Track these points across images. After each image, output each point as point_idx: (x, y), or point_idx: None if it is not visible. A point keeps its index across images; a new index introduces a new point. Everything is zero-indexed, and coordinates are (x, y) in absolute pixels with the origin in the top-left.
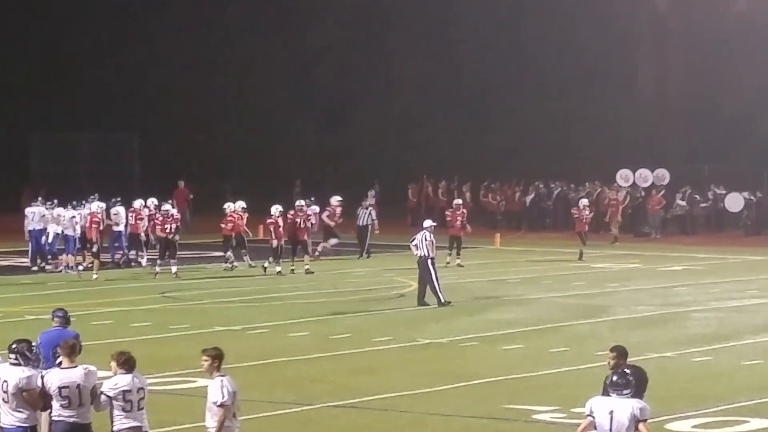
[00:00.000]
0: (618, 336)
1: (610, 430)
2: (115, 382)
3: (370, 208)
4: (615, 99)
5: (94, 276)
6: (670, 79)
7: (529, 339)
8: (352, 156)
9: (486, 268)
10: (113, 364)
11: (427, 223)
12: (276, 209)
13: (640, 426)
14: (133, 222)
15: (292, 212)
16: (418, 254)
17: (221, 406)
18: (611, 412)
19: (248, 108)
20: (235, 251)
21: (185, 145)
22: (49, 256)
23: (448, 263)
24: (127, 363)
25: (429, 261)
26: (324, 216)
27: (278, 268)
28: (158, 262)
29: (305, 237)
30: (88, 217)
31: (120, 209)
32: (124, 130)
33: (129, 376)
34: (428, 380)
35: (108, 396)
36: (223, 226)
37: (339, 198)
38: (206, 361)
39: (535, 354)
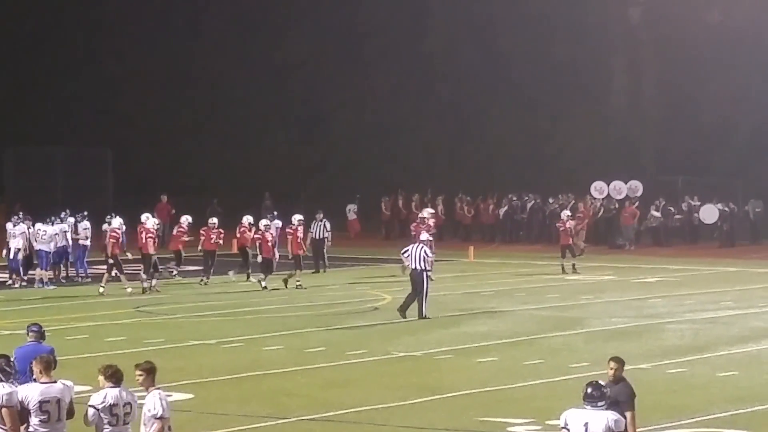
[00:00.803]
0: (592, 348)
1: None
2: (102, 396)
3: (324, 220)
4: (588, 111)
5: (129, 290)
6: (643, 90)
7: (503, 351)
8: (325, 169)
9: (460, 280)
10: (101, 377)
11: (424, 236)
12: (262, 224)
13: None
14: (144, 241)
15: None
16: (411, 267)
17: (160, 418)
18: (586, 424)
19: (222, 121)
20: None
21: (159, 158)
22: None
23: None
24: (113, 376)
25: (424, 274)
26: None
27: (264, 283)
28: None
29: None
30: (108, 233)
31: (87, 224)
32: (97, 144)
33: (116, 390)
34: (403, 393)
35: (96, 409)
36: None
37: (300, 217)
38: (141, 375)
39: (509, 366)
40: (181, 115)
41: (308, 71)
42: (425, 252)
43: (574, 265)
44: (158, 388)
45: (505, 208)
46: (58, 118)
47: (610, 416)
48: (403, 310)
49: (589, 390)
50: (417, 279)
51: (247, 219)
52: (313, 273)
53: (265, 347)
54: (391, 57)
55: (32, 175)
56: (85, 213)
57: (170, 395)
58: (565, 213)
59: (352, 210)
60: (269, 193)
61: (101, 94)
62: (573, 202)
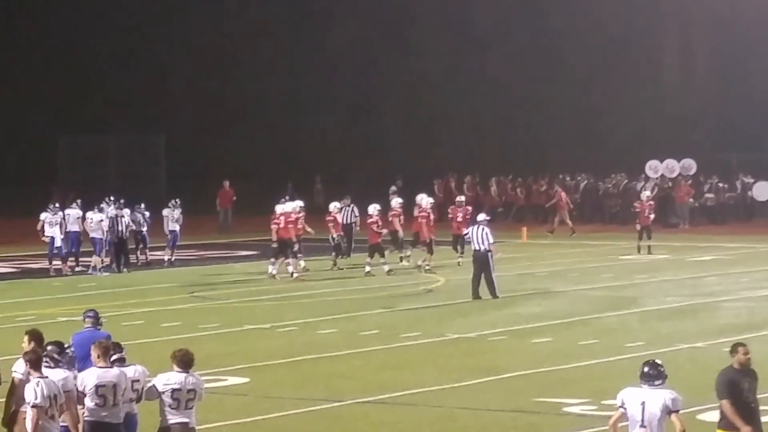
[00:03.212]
0: (648, 327)
1: (642, 421)
2: (167, 378)
3: (353, 205)
4: (641, 90)
5: (295, 274)
6: (696, 67)
7: (558, 332)
8: (376, 152)
9: (513, 262)
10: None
11: (481, 216)
12: (334, 206)
13: (672, 417)
14: (283, 226)
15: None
16: (475, 248)
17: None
18: (643, 403)
19: (272, 106)
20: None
21: (211, 144)
22: (59, 260)
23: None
24: (181, 361)
25: (489, 254)
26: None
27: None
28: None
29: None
30: (283, 216)
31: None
32: (150, 131)
33: (182, 375)
34: (457, 375)
35: (158, 390)
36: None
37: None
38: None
39: (564, 347)
40: (232, 100)
41: (358, 55)
42: (486, 232)
43: (650, 246)
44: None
45: (558, 188)
46: (111, 107)
47: (668, 395)
48: (474, 293)
49: (646, 369)
50: (481, 260)
51: (335, 205)
52: (344, 257)
53: (320, 331)
54: (442, 39)
55: (86, 164)
56: (122, 201)
57: (226, 379)
58: (645, 194)
59: (392, 192)
60: (320, 176)
61: (153, 81)
62: (644, 183)
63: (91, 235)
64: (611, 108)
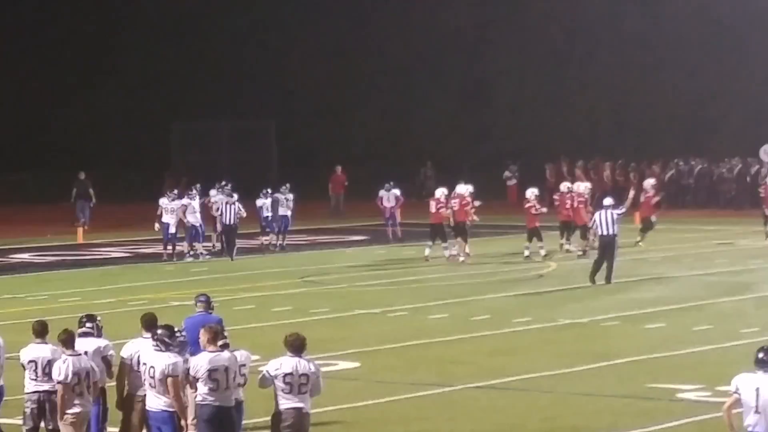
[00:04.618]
0: (763, 313)
1: (756, 407)
2: (279, 363)
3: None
4: (754, 72)
5: (461, 258)
6: None
7: (671, 317)
8: (487, 137)
9: (626, 246)
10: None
11: (608, 201)
12: (531, 193)
13: None
14: (458, 208)
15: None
16: (601, 232)
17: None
18: (757, 389)
19: (384, 90)
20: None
21: (322, 129)
22: (170, 246)
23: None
24: (293, 345)
25: (615, 239)
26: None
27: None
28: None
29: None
30: (458, 201)
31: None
32: (261, 117)
33: (294, 360)
34: (569, 360)
35: (269, 376)
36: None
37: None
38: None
39: (678, 332)
40: (344, 85)
41: (469, 38)
42: (614, 216)
43: None
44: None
45: (671, 172)
46: (222, 92)
47: None
48: (593, 275)
49: (761, 355)
50: (608, 243)
51: (467, 188)
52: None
53: (431, 315)
54: (553, 23)
55: (197, 149)
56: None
57: (336, 364)
58: None
59: (511, 176)
60: (430, 162)
61: (265, 67)
62: (758, 167)
63: (190, 221)
64: (725, 91)
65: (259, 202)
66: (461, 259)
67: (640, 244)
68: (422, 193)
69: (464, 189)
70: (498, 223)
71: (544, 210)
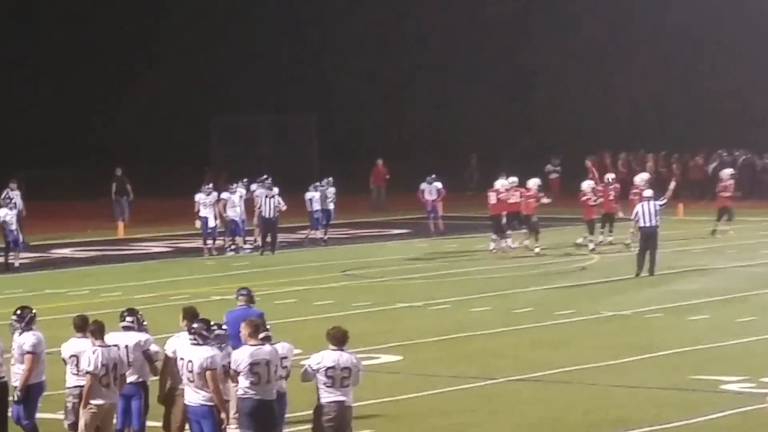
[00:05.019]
0: None
1: None
2: (321, 357)
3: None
4: None
5: (537, 249)
6: None
7: (715, 309)
8: (529, 130)
9: (669, 239)
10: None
11: (648, 192)
12: (587, 185)
13: None
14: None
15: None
16: (643, 224)
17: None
18: None
19: (425, 83)
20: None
21: (363, 123)
22: (210, 240)
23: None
24: (334, 338)
25: (657, 230)
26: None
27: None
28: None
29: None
30: (527, 192)
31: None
32: (301, 111)
33: (336, 353)
34: (613, 352)
35: (312, 370)
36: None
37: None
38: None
39: (721, 324)
40: (384, 78)
41: (511, 31)
42: (656, 207)
43: None
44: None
45: (715, 164)
46: (263, 87)
47: None
48: (639, 269)
49: None
50: (650, 235)
51: (589, 184)
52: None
53: (473, 308)
54: (597, 14)
55: (238, 144)
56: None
57: (378, 357)
58: None
59: (553, 170)
60: (475, 155)
61: (305, 60)
62: None
63: (229, 215)
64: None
65: (308, 195)
66: (537, 250)
67: (729, 232)
68: (470, 186)
69: (533, 182)
70: (540, 215)
71: (601, 201)
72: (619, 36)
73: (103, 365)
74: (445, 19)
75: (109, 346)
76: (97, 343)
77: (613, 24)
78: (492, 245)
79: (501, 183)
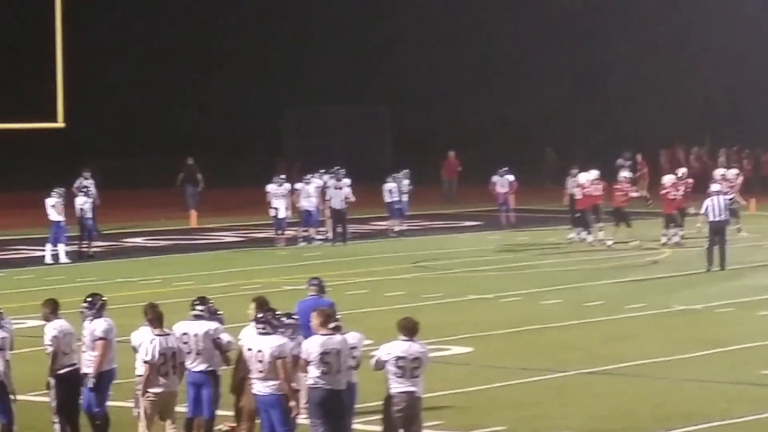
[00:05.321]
0: None
1: None
2: (392, 347)
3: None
4: None
5: (609, 242)
6: None
7: None
8: (600, 123)
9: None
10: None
11: (715, 187)
12: (668, 179)
13: None
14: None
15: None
16: (714, 219)
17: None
18: None
19: (497, 76)
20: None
21: (436, 115)
22: (279, 230)
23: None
24: (405, 328)
25: (727, 224)
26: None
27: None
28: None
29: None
30: (618, 186)
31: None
32: (374, 102)
33: (406, 344)
34: (683, 347)
35: (383, 360)
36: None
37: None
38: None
39: None
40: (457, 70)
41: (584, 24)
42: (725, 202)
43: None
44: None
45: None
46: (335, 78)
47: None
48: (710, 263)
49: None
50: (719, 230)
51: (670, 178)
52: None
53: (543, 301)
54: (670, 8)
55: (310, 135)
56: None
57: (449, 349)
58: None
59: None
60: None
61: (378, 52)
62: None
63: (303, 205)
64: None
65: (386, 187)
66: (609, 243)
67: None
68: (548, 180)
69: (623, 175)
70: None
71: (680, 194)
72: (692, 30)
73: (161, 354)
74: (519, 12)
75: (168, 334)
76: (155, 332)
77: (686, 18)
78: (590, 237)
79: (584, 177)
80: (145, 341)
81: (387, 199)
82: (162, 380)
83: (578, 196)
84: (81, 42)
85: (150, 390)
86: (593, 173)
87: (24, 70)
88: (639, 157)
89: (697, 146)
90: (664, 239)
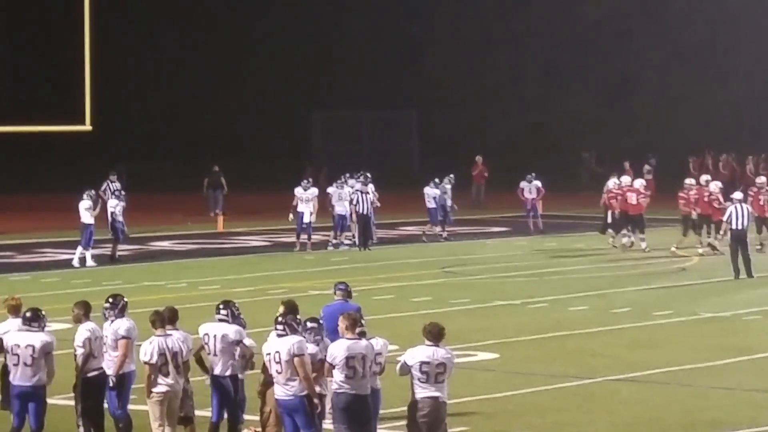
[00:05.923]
0: None
1: None
2: (416, 351)
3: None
4: None
5: (644, 245)
6: None
7: None
8: (629, 129)
9: None
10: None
11: (737, 195)
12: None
13: None
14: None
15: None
16: (735, 227)
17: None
18: None
19: (524, 82)
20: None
21: (463, 120)
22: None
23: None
24: (431, 333)
25: (747, 233)
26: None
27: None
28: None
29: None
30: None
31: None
32: (402, 107)
33: (431, 349)
34: (710, 354)
35: (408, 365)
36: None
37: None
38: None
39: None
40: (485, 76)
41: (613, 31)
42: (748, 210)
43: None
44: None
45: None
46: (363, 82)
47: None
48: (736, 272)
49: None
50: (741, 238)
51: (716, 185)
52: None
53: (570, 308)
54: (699, 16)
55: (338, 139)
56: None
57: (475, 354)
58: None
59: (650, 169)
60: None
61: (405, 56)
62: None
63: (338, 210)
64: None
65: (428, 192)
66: (644, 246)
67: None
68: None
69: (640, 182)
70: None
71: (722, 201)
72: (720, 37)
73: (160, 354)
74: (549, 18)
75: (168, 335)
76: (157, 332)
77: (714, 25)
78: (626, 240)
79: (639, 183)
80: (145, 342)
81: (429, 204)
82: (164, 380)
83: (633, 201)
84: (109, 46)
85: (154, 390)
86: (625, 179)
87: (52, 74)
88: (626, 165)
89: (725, 153)
90: (716, 243)
